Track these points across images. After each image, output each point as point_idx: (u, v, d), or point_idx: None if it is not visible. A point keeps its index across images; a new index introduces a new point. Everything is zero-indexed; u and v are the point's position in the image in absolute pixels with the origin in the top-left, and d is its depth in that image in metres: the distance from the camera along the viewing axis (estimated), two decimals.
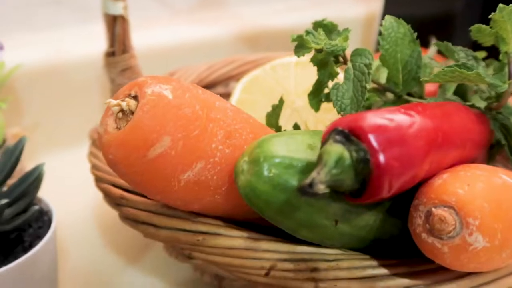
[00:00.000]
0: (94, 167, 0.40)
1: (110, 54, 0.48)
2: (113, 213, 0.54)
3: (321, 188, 0.23)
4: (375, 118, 0.25)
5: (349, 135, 0.25)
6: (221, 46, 0.76)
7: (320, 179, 0.23)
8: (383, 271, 0.30)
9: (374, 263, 0.30)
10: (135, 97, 0.29)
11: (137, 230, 0.37)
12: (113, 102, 0.29)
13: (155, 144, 0.28)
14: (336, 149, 0.25)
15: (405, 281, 0.29)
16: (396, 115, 0.26)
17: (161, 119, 0.28)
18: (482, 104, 0.34)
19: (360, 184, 0.25)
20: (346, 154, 0.25)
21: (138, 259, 0.47)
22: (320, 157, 0.25)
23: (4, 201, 0.33)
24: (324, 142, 0.26)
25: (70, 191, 0.56)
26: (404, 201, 0.30)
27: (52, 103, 0.62)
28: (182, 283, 0.44)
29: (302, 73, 0.47)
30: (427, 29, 0.73)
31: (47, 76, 0.61)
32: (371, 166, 0.25)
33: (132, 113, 0.29)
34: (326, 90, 0.38)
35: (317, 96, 0.38)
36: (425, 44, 0.58)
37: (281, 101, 0.38)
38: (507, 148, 0.33)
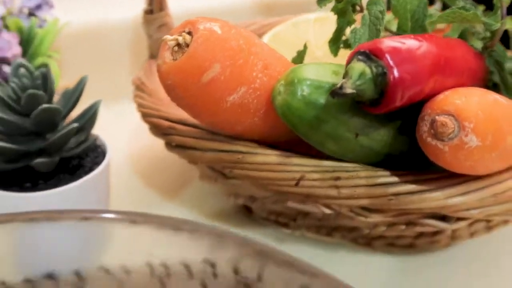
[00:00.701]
0: (140, 106, 0.46)
1: (149, 11, 0.54)
2: (149, 158, 0.60)
3: (349, 91, 0.30)
4: (390, 42, 0.31)
5: (370, 55, 0.31)
6: (236, 14, 0.81)
7: (348, 86, 0.30)
8: (394, 179, 0.36)
9: (387, 173, 0.36)
10: (189, 33, 0.35)
11: (183, 157, 0.43)
12: (170, 37, 0.35)
13: (207, 70, 0.34)
14: (359, 66, 0.31)
15: (412, 187, 0.35)
16: (408, 39, 0.32)
17: (212, 50, 0.34)
18: (479, 46, 0.40)
19: (378, 94, 0.32)
20: (367, 70, 0.31)
21: (175, 196, 0.53)
22: (346, 72, 0.31)
23: (75, 124, 0.39)
24: (348, 62, 0.32)
25: (109, 141, 0.62)
26: (411, 123, 0.36)
27: (91, 63, 0.68)
28: (215, 213, 0.50)
29: (320, 28, 0.53)
30: None
31: (85, 37, 0.67)
32: (387, 79, 0.31)
33: (187, 46, 0.34)
34: (344, 38, 0.44)
35: (336, 42, 0.43)
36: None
37: (305, 47, 0.44)
38: (500, 81, 0.39)
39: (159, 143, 0.49)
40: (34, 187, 0.40)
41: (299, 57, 0.44)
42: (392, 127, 0.36)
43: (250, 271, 0.28)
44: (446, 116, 0.31)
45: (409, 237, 0.43)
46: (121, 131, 0.63)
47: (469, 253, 0.45)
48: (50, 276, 0.34)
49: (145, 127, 0.48)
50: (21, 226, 0.32)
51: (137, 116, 0.49)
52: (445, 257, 0.45)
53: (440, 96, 0.32)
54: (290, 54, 0.47)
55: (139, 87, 0.49)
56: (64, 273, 0.34)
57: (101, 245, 0.34)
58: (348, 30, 0.42)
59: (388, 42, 0.31)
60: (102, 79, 0.69)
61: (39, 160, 0.39)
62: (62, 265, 0.34)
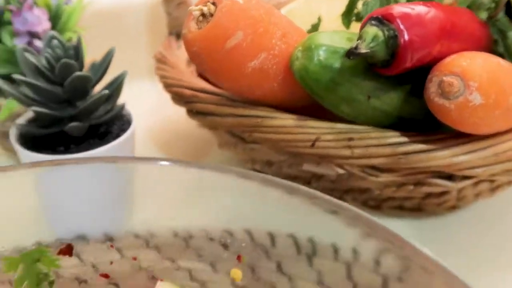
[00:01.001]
0: (162, 77, 0.49)
1: None
2: (168, 131, 0.63)
3: (363, 51, 0.32)
4: (401, 8, 0.34)
5: (382, 19, 0.34)
6: None
7: (362, 47, 0.33)
8: (404, 139, 0.38)
9: (397, 134, 0.38)
10: (213, 4, 0.37)
11: (204, 123, 0.46)
12: (195, 8, 0.38)
13: (231, 37, 0.36)
14: (372, 30, 0.34)
15: (421, 146, 0.38)
16: (417, 6, 0.35)
17: (235, 18, 0.36)
18: (484, 16, 0.43)
19: (390, 56, 0.34)
20: (380, 33, 0.34)
21: None
22: (360, 35, 0.34)
23: (106, 91, 0.42)
24: (362, 27, 0.35)
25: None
26: (420, 87, 0.38)
27: (110, 40, 0.71)
28: None
29: (332, 5, 0.55)
30: None
31: (105, 16, 0.70)
32: (398, 41, 0.34)
33: (211, 15, 0.37)
34: (355, 11, 0.46)
35: (349, 15, 0.46)
36: None
37: (319, 19, 0.47)
38: (504, 49, 0.42)
39: (178, 116, 0.51)
40: (66, 151, 0.43)
41: (314, 29, 0.47)
42: (402, 90, 0.38)
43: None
44: (452, 76, 0.33)
45: (417, 198, 0.45)
46: (141, 106, 0.66)
47: (474, 215, 0.48)
48: (82, 237, 0.37)
49: (163, 102, 0.51)
50: (52, 169, 0.32)
51: (155, 91, 0.52)
52: (452, 219, 0.47)
53: (447, 59, 0.35)
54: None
55: (161, 61, 0.52)
56: (94, 235, 0.36)
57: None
58: (360, 4, 0.44)
59: (399, 8, 0.34)
60: (121, 57, 0.72)
61: (72, 124, 0.42)
62: (93, 228, 0.36)
